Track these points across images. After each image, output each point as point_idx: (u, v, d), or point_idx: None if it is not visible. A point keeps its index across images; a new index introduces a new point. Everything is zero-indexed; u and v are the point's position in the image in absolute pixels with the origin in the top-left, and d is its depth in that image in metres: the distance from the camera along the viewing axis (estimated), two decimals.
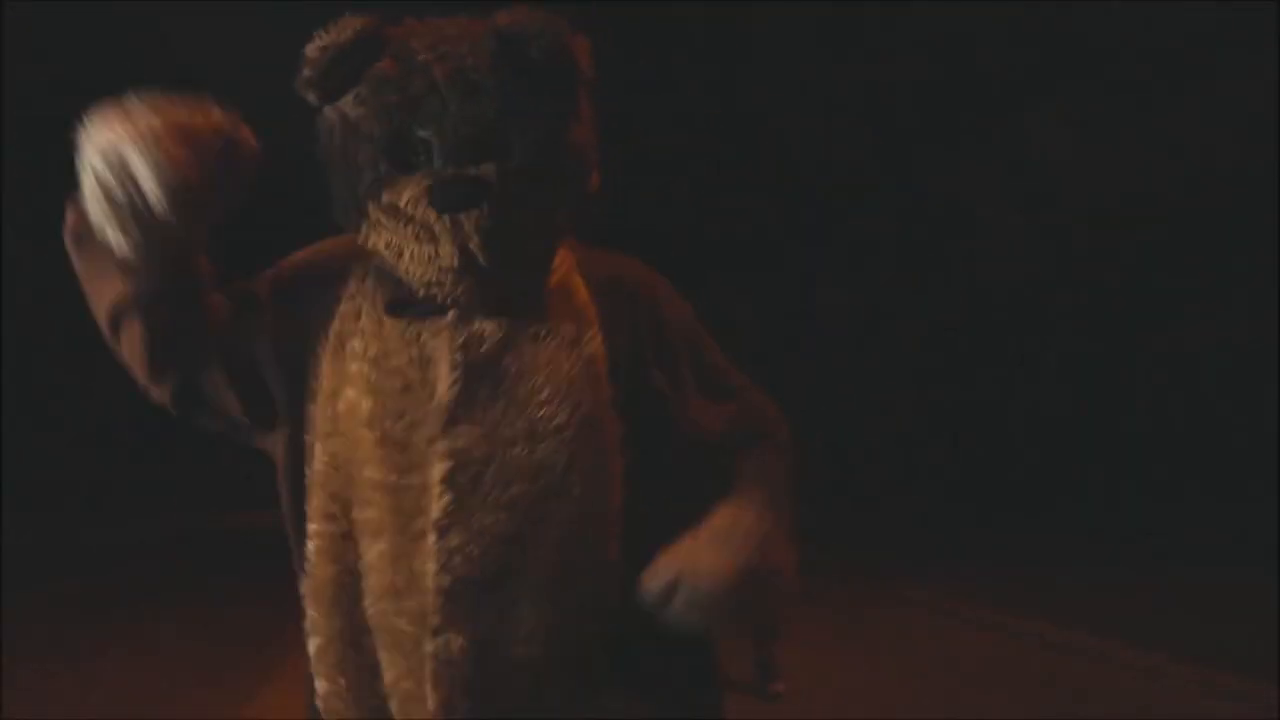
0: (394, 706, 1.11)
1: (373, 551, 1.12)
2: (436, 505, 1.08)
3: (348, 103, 1.11)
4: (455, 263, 1.08)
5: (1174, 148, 10.30)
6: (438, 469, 1.09)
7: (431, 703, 1.08)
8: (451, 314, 1.12)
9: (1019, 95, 11.06)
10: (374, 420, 1.11)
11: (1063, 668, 5.00)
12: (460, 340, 1.12)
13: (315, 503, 1.15)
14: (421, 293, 1.12)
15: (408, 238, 1.09)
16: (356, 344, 1.15)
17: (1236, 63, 9.87)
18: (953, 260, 11.97)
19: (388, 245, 1.11)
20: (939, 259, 12.02)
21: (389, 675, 1.11)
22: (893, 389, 12.91)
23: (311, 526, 1.14)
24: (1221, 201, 10.34)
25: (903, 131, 11.94)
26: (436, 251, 1.08)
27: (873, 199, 12.40)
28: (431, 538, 1.09)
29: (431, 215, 1.08)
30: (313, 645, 1.16)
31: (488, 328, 1.12)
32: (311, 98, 1.12)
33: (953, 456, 12.15)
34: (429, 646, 1.08)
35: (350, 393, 1.13)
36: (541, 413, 1.09)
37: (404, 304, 1.14)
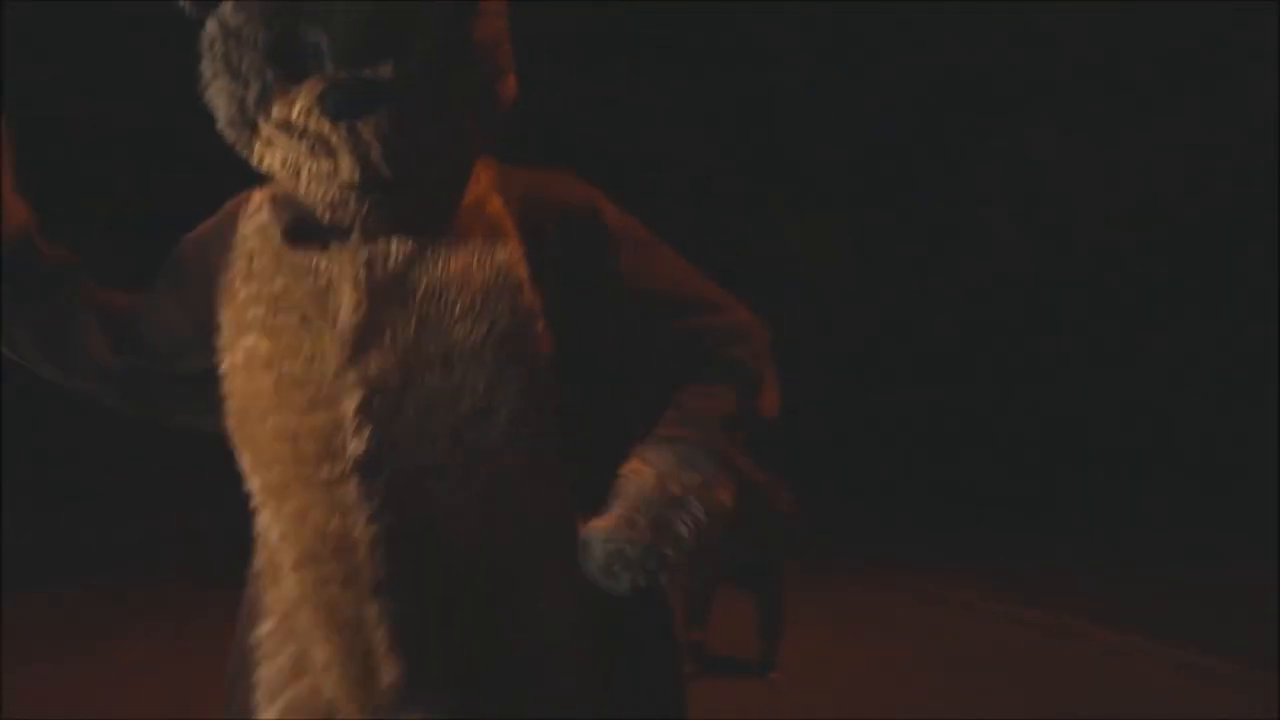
0: (334, 689, 0.98)
1: (283, 514, 1.01)
2: (355, 441, 0.97)
3: (228, 9, 0.99)
4: (356, 177, 0.97)
5: (1175, 150, 10.30)
6: (349, 401, 0.98)
7: (390, 675, 0.96)
8: (355, 236, 1.02)
9: (1019, 97, 11.06)
10: (271, 361, 1.01)
11: (1065, 658, 5.02)
12: (363, 259, 1.01)
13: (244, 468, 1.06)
14: (326, 215, 1.02)
15: (303, 153, 0.98)
16: (253, 287, 1.04)
17: (1237, 64, 9.87)
18: (958, 261, 11.97)
19: (283, 164, 1.00)
20: (944, 260, 12.02)
21: (322, 656, 0.99)
22: (897, 388, 12.91)
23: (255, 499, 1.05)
24: (1223, 203, 10.35)
25: (902, 133, 11.93)
26: (335, 166, 0.98)
27: (875, 201, 12.40)
28: (354, 481, 0.97)
29: (326, 125, 0.96)
30: (266, 627, 1.06)
31: (394, 244, 1.01)
32: (187, 7, 1.02)
33: (956, 454, 12.16)
34: (371, 611, 0.96)
35: (249, 339, 1.03)
36: (456, 331, 0.98)
37: (303, 230, 1.03)
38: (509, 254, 1.02)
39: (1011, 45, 10.71)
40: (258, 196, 1.10)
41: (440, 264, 1.01)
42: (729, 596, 4.75)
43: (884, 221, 12.24)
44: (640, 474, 1.00)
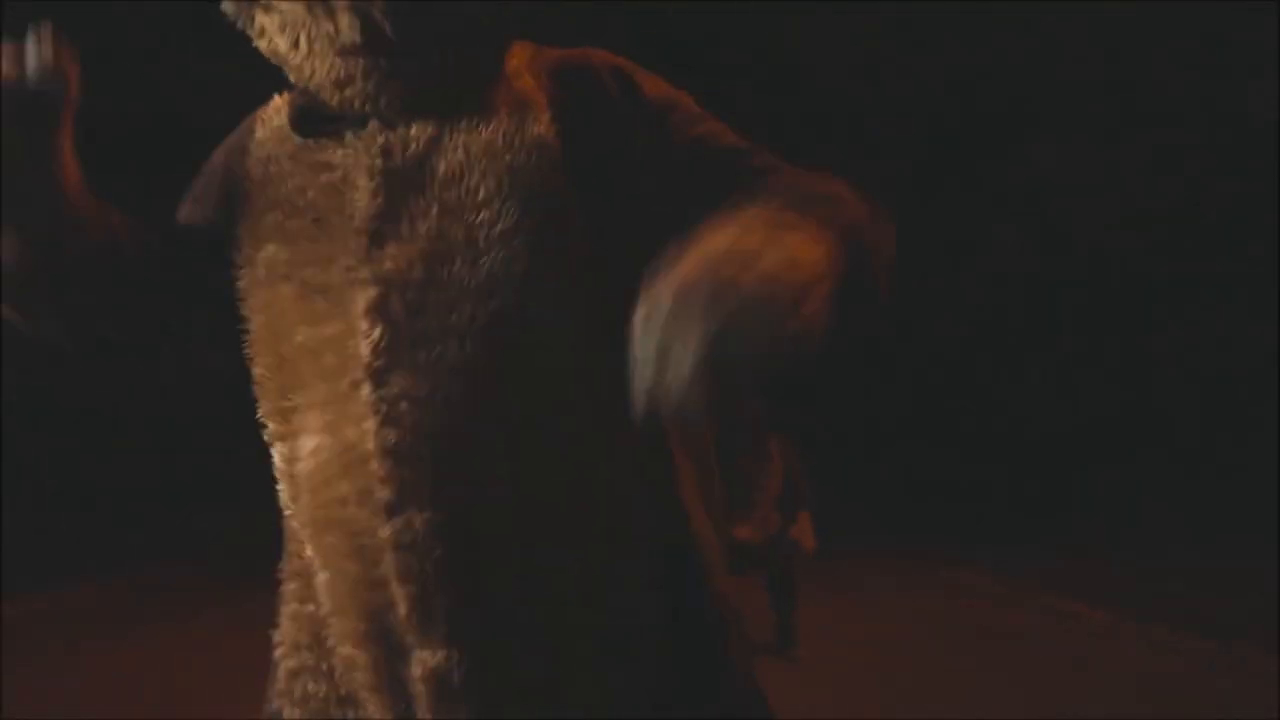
0: (344, 621, 0.87)
1: (305, 438, 0.90)
2: (365, 344, 0.86)
3: None
4: (357, 38, 0.86)
5: (1176, 152, 10.31)
6: (360, 300, 0.87)
7: (403, 606, 0.84)
8: (371, 122, 0.90)
9: (1021, 100, 11.06)
10: (291, 269, 0.90)
11: (1069, 644, 5.10)
12: (379, 144, 0.90)
13: (263, 408, 0.93)
14: (334, 97, 0.90)
15: (301, 16, 0.87)
16: (269, 192, 0.93)
17: (1238, 66, 9.88)
18: (963, 263, 11.99)
19: (283, 31, 0.89)
20: (949, 262, 12.04)
21: (334, 585, 0.87)
22: (907, 387, 12.92)
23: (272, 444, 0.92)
24: (1223, 203, 10.36)
25: (903, 137, 11.93)
26: (335, 28, 0.86)
27: (884, 203, 12.42)
28: (366, 388, 0.85)
29: None
30: (287, 563, 0.94)
31: (413, 129, 0.90)
32: None
33: (967, 452, 12.19)
34: (384, 532, 0.84)
35: (268, 249, 0.92)
36: (482, 216, 0.87)
37: (316, 123, 0.92)
38: (540, 129, 0.90)
39: (1013, 50, 10.72)
40: (277, 100, 1.00)
41: (463, 143, 0.89)
42: (741, 580, 4.82)
43: (897, 223, 12.27)
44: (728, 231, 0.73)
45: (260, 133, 0.97)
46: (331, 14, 0.86)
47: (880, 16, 10.92)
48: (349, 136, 0.91)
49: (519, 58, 0.96)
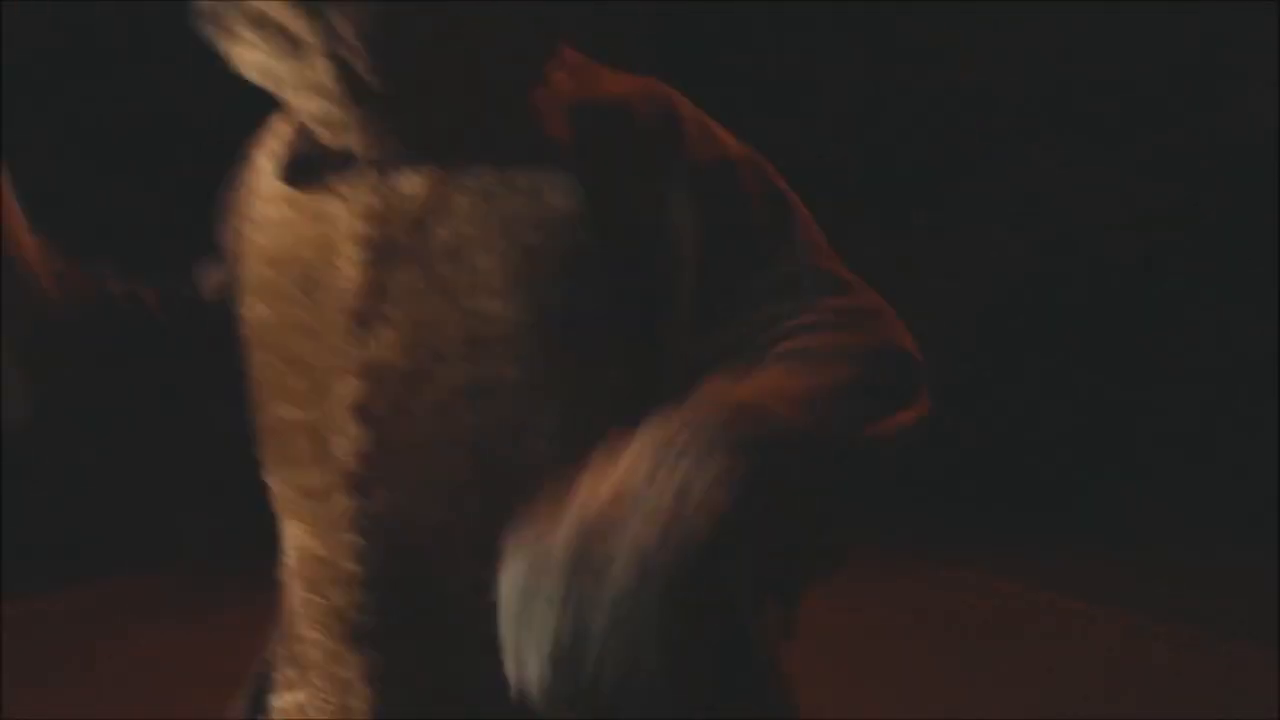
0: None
1: (293, 528, 0.80)
2: (346, 448, 0.74)
3: None
4: (335, 87, 0.71)
5: (1176, 155, 10.30)
6: (342, 393, 0.74)
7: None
8: (362, 169, 0.77)
9: (1020, 105, 11.05)
10: (274, 335, 0.78)
11: (1068, 641, 5.12)
12: (365, 201, 0.75)
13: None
14: (329, 140, 0.77)
15: (274, 55, 0.73)
16: (260, 238, 0.81)
17: (1238, 69, 9.87)
18: (961, 266, 11.99)
19: (261, 72, 0.76)
20: (948, 265, 12.04)
21: (301, 695, 0.81)
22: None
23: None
24: (1224, 205, 10.36)
25: (904, 143, 11.92)
26: (313, 71, 0.72)
27: (879, 209, 12.43)
28: (343, 497, 0.75)
29: (284, 10, 0.70)
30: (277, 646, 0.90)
31: (409, 184, 0.75)
32: None
33: (967, 451, 12.19)
34: (352, 662, 0.76)
35: (258, 307, 0.80)
36: (483, 304, 0.72)
37: (310, 164, 0.78)
38: (564, 199, 0.72)
39: (1013, 50, 10.71)
40: (281, 126, 0.85)
41: (469, 207, 0.73)
42: None
43: (890, 228, 12.27)
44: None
45: (264, 165, 0.84)
46: (303, 54, 0.72)
47: (880, 16, 10.91)
48: (344, 187, 0.77)
49: (558, 86, 0.78)
